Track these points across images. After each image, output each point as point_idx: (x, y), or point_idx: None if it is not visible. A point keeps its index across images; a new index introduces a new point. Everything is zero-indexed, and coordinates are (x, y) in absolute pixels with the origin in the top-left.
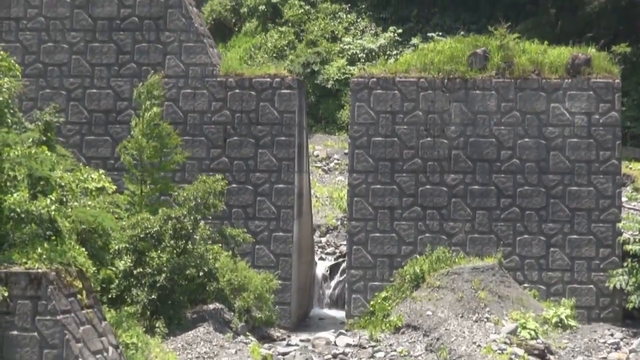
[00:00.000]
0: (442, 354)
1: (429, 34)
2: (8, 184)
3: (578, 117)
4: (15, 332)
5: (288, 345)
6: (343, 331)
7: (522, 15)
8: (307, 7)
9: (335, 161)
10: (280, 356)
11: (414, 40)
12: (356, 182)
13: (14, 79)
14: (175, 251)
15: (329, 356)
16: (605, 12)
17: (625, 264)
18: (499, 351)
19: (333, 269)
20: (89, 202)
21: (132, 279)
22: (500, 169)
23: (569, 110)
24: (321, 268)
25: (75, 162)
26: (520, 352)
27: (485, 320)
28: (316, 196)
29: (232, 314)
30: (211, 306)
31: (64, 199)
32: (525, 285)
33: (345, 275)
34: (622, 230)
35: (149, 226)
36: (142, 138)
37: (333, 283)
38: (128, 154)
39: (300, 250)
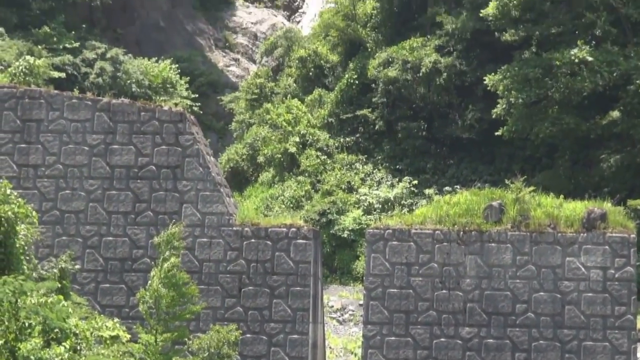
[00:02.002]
0: None
1: (445, 188)
2: (23, 331)
3: (593, 271)
4: None
5: None
6: None
7: (538, 168)
8: (323, 158)
9: (350, 312)
10: None
11: (429, 192)
12: (371, 333)
13: (30, 226)
14: None
15: None
16: (621, 168)
17: None
18: None
19: None
20: (103, 351)
21: None
22: (515, 323)
23: (585, 264)
24: None
25: (89, 310)
26: None
27: None
28: (330, 347)
29: None
30: None
31: (78, 347)
32: None
33: None
34: None
35: None
36: (161, 287)
37: None
38: (145, 302)
39: None
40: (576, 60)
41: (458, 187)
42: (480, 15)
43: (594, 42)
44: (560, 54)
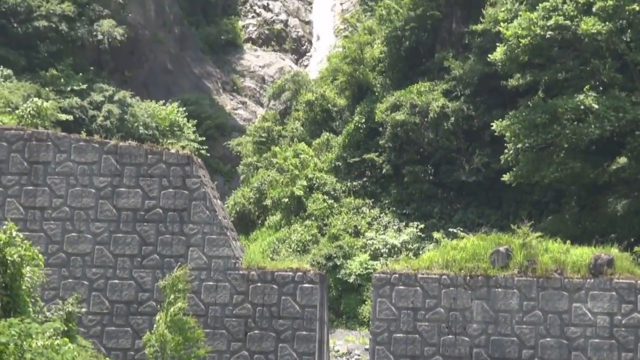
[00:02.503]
0: None
1: (450, 229)
2: None
3: (600, 317)
4: None
5: None
6: None
7: (545, 213)
8: (330, 201)
9: (356, 357)
10: None
11: (437, 236)
12: None
13: (36, 268)
14: None
15: None
16: (628, 214)
17: None
18: None
19: None
20: None
21: None
22: None
23: (591, 310)
24: None
25: (95, 353)
26: None
27: None
28: None
29: None
30: None
31: None
32: None
33: None
34: None
35: None
36: (166, 331)
37: None
38: (151, 346)
39: None
40: (582, 107)
41: (460, 228)
42: (488, 59)
43: (601, 87)
44: (566, 100)
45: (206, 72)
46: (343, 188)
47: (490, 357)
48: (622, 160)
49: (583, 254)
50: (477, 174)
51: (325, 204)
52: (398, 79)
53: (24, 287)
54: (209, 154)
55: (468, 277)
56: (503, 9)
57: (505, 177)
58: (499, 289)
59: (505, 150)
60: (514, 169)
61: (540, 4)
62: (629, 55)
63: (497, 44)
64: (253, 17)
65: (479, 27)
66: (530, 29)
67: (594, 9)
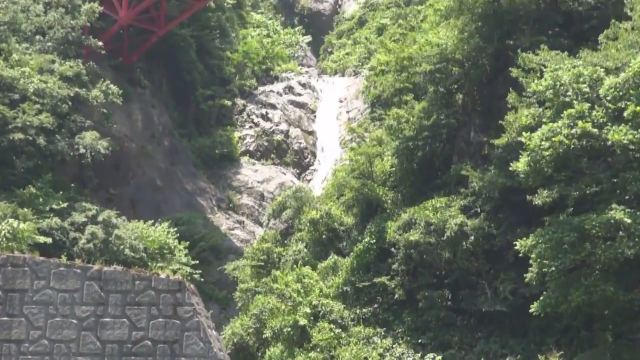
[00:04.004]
0: None
1: None
2: None
3: None
4: None
5: None
6: None
7: (575, 341)
8: (338, 331)
9: None
10: None
11: None
12: None
13: None
14: None
15: None
16: None
17: None
18: None
19: None
20: None
21: None
22: None
23: None
24: None
25: None
26: None
27: None
28: None
29: None
30: None
31: None
32: None
33: None
34: None
35: None
36: None
37: None
38: None
39: None
40: (612, 221)
41: None
42: (510, 169)
43: (635, 202)
44: (596, 217)
45: (199, 189)
46: (352, 316)
47: None
48: None
49: None
50: (503, 302)
51: (332, 334)
52: (411, 194)
53: None
54: (202, 279)
55: None
56: (527, 114)
57: (533, 308)
58: None
59: (530, 272)
60: (542, 297)
61: (565, 111)
62: None
63: (520, 152)
64: (251, 127)
65: (501, 141)
66: (553, 140)
67: (625, 114)
